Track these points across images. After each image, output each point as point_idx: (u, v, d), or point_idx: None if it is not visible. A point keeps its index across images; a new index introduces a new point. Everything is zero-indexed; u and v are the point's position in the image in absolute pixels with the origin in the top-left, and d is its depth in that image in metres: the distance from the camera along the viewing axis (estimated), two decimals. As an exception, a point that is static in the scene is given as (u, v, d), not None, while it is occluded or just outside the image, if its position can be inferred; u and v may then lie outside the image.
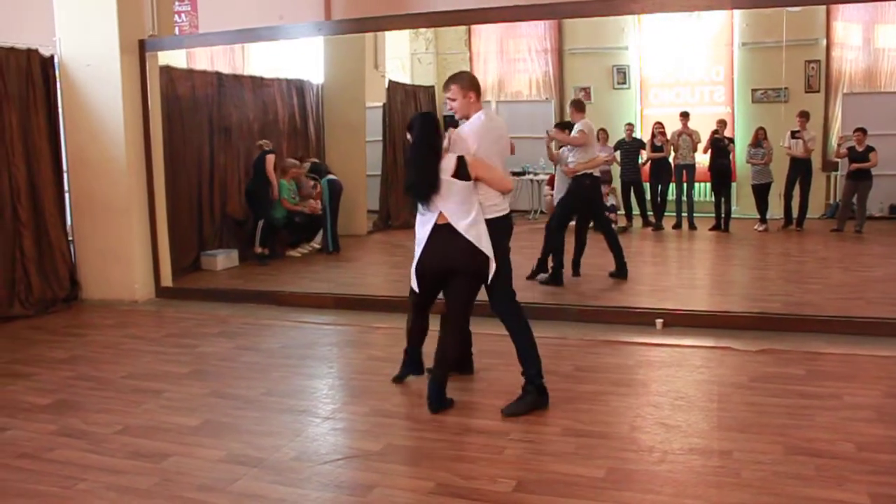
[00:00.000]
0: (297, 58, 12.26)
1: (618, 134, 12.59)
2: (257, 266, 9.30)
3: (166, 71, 8.49)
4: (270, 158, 9.45)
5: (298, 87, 11.37)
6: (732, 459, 3.76)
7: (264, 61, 11.73)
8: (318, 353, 5.87)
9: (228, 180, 9.81)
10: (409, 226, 12.63)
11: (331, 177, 10.65)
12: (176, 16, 9.67)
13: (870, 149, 11.22)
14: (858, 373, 5.16)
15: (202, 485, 3.59)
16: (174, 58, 9.05)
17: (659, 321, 6.26)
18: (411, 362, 4.97)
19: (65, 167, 7.72)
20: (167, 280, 7.96)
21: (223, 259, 9.24)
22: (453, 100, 4.68)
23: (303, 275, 8.85)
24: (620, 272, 8.07)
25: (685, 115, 12.13)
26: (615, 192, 12.35)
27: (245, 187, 9.80)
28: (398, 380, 5.00)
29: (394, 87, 12.70)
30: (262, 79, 10.76)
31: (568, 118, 8.64)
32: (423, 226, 4.45)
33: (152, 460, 3.88)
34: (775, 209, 12.09)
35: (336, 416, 4.49)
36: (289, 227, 10.05)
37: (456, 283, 4.48)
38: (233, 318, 6.97)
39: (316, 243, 10.50)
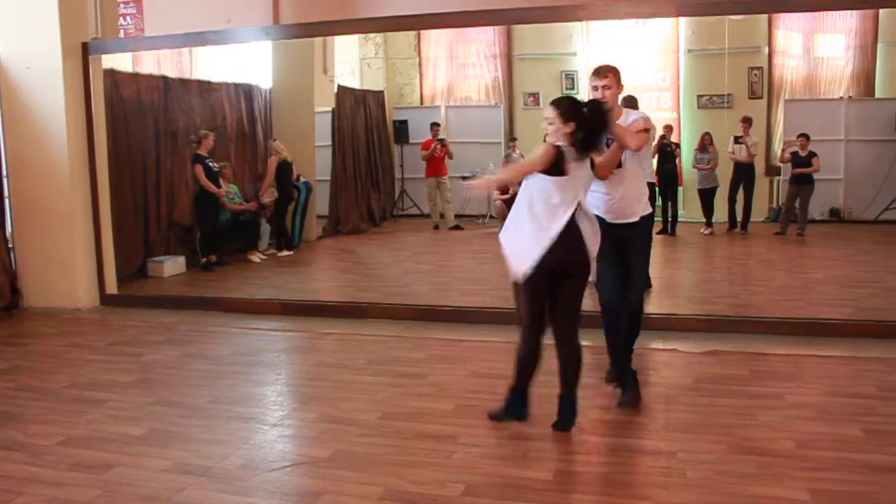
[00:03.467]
0: (246, 62, 12.15)
1: (566, 139, 12.67)
2: (205, 272, 9.18)
3: (110, 74, 8.36)
4: (199, 170, 9.32)
5: (247, 91, 11.27)
6: (678, 460, 3.82)
7: (212, 65, 11.62)
8: (266, 359, 5.82)
9: (175, 185, 9.68)
10: (359, 231, 12.73)
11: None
12: (121, 18, 9.52)
13: (812, 154, 11.51)
14: (800, 373, 5.29)
15: (147, 495, 3.54)
16: (119, 61, 8.91)
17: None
18: (520, 402, 4.28)
19: (4, 172, 7.55)
20: (112, 287, 7.82)
21: (170, 265, 9.11)
22: (608, 88, 4.42)
23: (251, 281, 8.76)
24: None
25: (632, 121, 12.26)
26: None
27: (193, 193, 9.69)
28: (496, 418, 4.34)
29: (343, 91, 12.66)
30: (209, 83, 10.65)
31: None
32: (557, 218, 4.00)
33: (95, 472, 3.80)
34: (720, 213, 12.32)
35: (284, 423, 4.46)
36: (235, 228, 9.94)
37: (571, 283, 4.12)
38: (180, 325, 6.87)
39: (267, 250, 10.44)
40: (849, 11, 13.34)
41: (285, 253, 10.40)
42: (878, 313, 6.73)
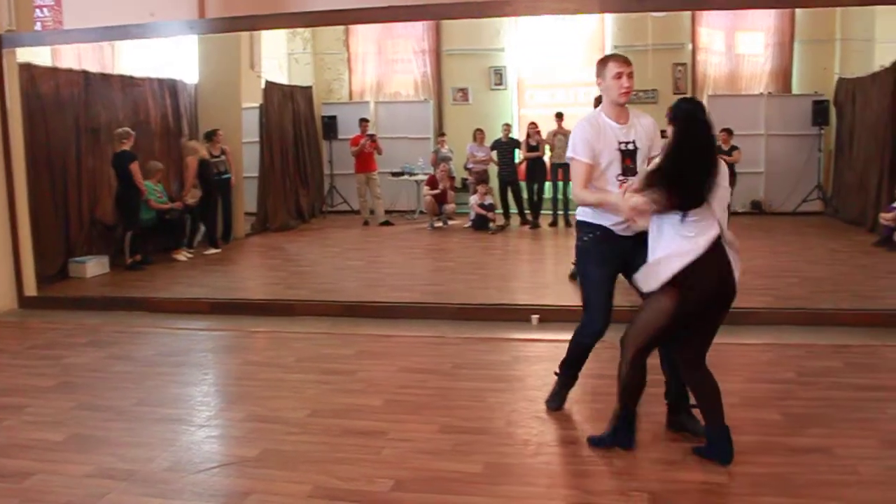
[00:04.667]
0: (171, 56, 11.91)
1: (494, 134, 12.80)
2: (130, 272, 8.97)
3: (27, 68, 8.09)
4: (136, 167, 9.12)
5: (171, 86, 11.05)
6: (604, 449, 3.89)
7: (135, 60, 11.34)
8: (193, 359, 5.73)
9: (97, 183, 9.43)
10: (288, 228, 12.59)
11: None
12: (37, 10, 9.22)
13: (734, 147, 11.83)
14: (723, 361, 5.38)
15: (68, 502, 3.45)
16: (37, 54, 8.63)
17: (535, 317, 6.41)
18: (630, 427, 3.85)
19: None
20: (31, 289, 7.58)
21: (93, 266, 8.87)
22: (632, 78, 4.10)
23: (178, 280, 8.60)
24: None
25: (560, 116, 12.44)
26: (493, 192, 12.55)
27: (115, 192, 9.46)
28: (596, 444, 3.91)
29: (271, 87, 12.50)
30: (132, 78, 10.39)
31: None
32: (696, 237, 3.54)
33: (13, 480, 3.69)
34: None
35: (211, 423, 4.40)
36: (160, 227, 9.75)
37: (717, 315, 3.74)
38: (103, 326, 6.71)
39: (192, 250, 10.28)
40: (768, 10, 13.75)
41: (212, 251, 10.24)
42: (797, 302, 6.94)
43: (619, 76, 4.00)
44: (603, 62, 4.10)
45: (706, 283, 3.56)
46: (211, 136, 10.86)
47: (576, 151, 4.05)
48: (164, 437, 4.19)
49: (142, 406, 4.68)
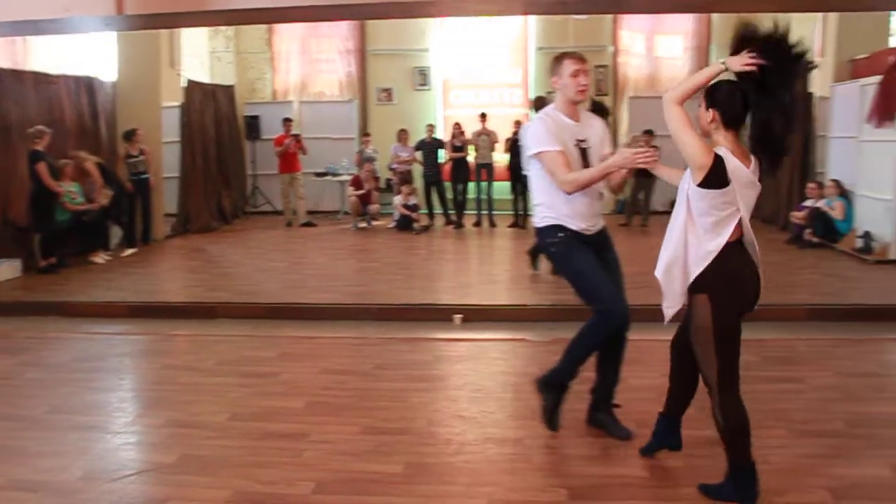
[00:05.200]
0: (87, 53, 11.61)
1: (419, 134, 12.84)
2: (43, 276, 8.71)
3: (-70, 65, 7.81)
4: (42, 168, 8.85)
5: (88, 84, 10.74)
6: (524, 446, 3.96)
7: (50, 56, 11.02)
8: (109, 364, 5.58)
9: (9, 184, 9.12)
10: (210, 229, 12.40)
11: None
12: (-59, 4, 8.87)
13: (654, 147, 12.06)
14: (642, 357, 5.53)
15: (-25, 515, 3.35)
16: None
17: (458, 317, 6.46)
18: (753, 476, 3.30)
19: None
20: (-62, 294, 7.32)
21: (5, 269, 8.58)
22: (588, 76, 4.01)
23: (95, 283, 8.38)
24: None
25: (484, 116, 12.54)
26: (417, 192, 12.58)
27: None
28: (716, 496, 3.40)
29: (192, 86, 12.28)
30: (46, 75, 10.08)
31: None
32: (717, 237, 3.25)
33: (-84, 492, 3.56)
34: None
35: (128, 430, 4.30)
36: (76, 229, 9.48)
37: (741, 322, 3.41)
38: (16, 332, 6.48)
39: (111, 252, 10.04)
40: (686, 15, 14.12)
41: (129, 251, 10.02)
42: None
43: (576, 74, 3.92)
44: (559, 60, 4.00)
45: (737, 285, 3.28)
46: (130, 136, 10.66)
47: (543, 144, 3.87)
48: (78, 445, 4.07)
49: (55, 414, 4.54)
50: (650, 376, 5.08)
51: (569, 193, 3.85)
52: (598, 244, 4.04)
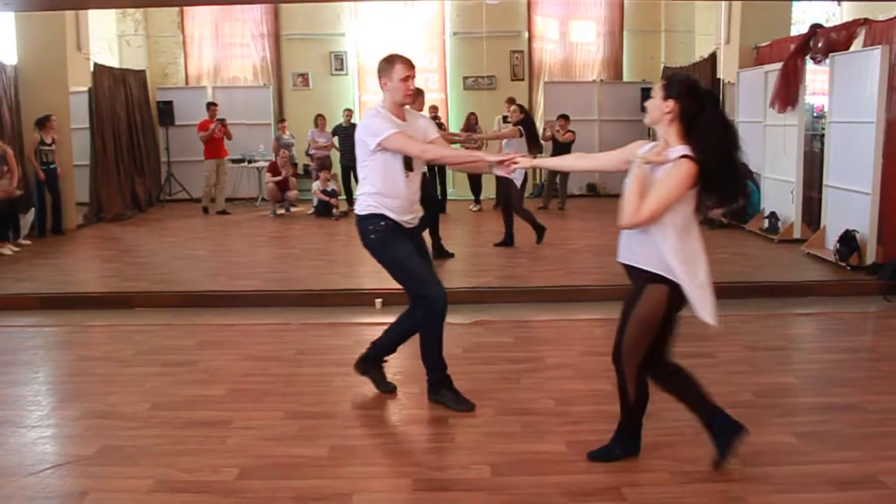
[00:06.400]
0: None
1: (336, 119, 12.77)
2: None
3: None
4: None
5: (-13, 67, 10.34)
6: (447, 426, 4.04)
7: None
8: (21, 358, 5.42)
9: None
10: (124, 218, 12.10)
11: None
12: None
13: (569, 131, 12.32)
14: (559, 336, 5.71)
15: None
16: None
17: (378, 301, 6.49)
18: (638, 436, 3.63)
19: None
20: None
21: None
22: (414, 80, 4.21)
23: (4, 274, 8.08)
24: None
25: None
26: (336, 178, 12.52)
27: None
28: (602, 458, 3.62)
29: (100, 70, 11.92)
30: (-60, 58, 9.67)
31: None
32: (690, 234, 3.37)
33: None
34: (488, 190, 12.88)
35: (43, 423, 4.20)
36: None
37: None
38: (-83, 326, 6.26)
39: (24, 240, 9.71)
40: (599, 1, 14.40)
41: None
42: (625, 278, 7.30)
43: (406, 79, 4.11)
44: (390, 63, 4.15)
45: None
46: (44, 123, 10.38)
47: (382, 131, 4.02)
48: (-10, 440, 3.97)
49: (-36, 409, 4.41)
50: (566, 354, 5.27)
51: (427, 161, 4.19)
52: (412, 236, 4.28)
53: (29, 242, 9.76)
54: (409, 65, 4.14)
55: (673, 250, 3.26)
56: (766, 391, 4.44)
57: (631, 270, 3.49)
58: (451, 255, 8.45)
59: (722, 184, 3.31)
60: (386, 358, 4.56)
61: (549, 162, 3.75)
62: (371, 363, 4.51)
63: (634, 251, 3.44)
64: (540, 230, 9.25)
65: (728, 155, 3.28)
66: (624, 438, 3.60)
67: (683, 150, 3.23)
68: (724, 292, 6.83)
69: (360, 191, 4.25)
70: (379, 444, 3.89)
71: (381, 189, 4.11)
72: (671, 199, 3.21)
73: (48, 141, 10.36)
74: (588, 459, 3.59)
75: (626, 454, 3.60)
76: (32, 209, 10.49)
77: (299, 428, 4.01)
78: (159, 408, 4.33)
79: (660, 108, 3.32)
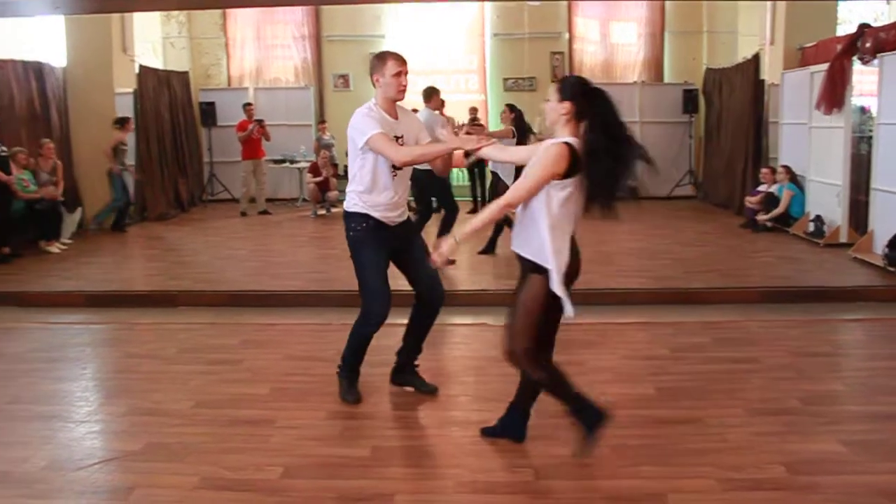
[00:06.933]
0: (36, 37, 11.37)
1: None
2: (-3, 265, 8.55)
3: None
4: None
5: (37, 69, 10.54)
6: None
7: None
8: (69, 354, 5.51)
9: (-44, 172, 8.93)
10: (167, 218, 12.27)
11: None
12: None
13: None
14: (601, 339, 5.65)
15: (-65, 507, 3.30)
16: None
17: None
18: (589, 410, 3.63)
19: None
20: None
21: (-45, 259, 8.42)
22: (407, 76, 4.24)
23: (51, 272, 8.24)
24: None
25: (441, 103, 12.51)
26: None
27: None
28: (491, 435, 3.90)
29: (145, 72, 12.09)
30: (-8, 60, 9.88)
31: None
32: (569, 226, 3.49)
33: None
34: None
35: (91, 418, 4.27)
36: (31, 217, 9.31)
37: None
38: (-31, 323, 6.40)
39: (67, 239, 9.88)
40: (640, 2, 14.28)
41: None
42: (669, 281, 7.30)
43: (398, 75, 4.15)
44: (382, 60, 4.21)
45: (570, 268, 3.46)
46: (123, 123, 10.91)
47: (367, 131, 4.05)
48: (40, 435, 4.03)
49: (15, 404, 4.49)
50: (608, 357, 5.22)
51: (401, 164, 4.10)
52: (401, 234, 4.31)
53: (71, 241, 9.92)
54: (401, 60, 4.20)
55: (548, 239, 3.38)
56: (813, 398, 4.37)
57: (518, 258, 3.56)
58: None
59: (600, 176, 3.36)
60: (416, 361, 4.57)
61: (485, 151, 3.84)
62: (404, 371, 4.54)
63: (519, 238, 3.54)
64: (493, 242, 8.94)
65: (610, 148, 3.33)
66: (580, 414, 3.63)
67: (563, 139, 3.37)
68: (769, 297, 6.86)
69: (348, 188, 4.28)
70: (421, 444, 3.89)
71: (369, 187, 4.16)
72: (540, 179, 3.34)
73: (125, 142, 10.85)
74: (481, 435, 3.85)
75: (510, 436, 3.80)
76: (79, 209, 10.69)
77: (342, 428, 4.04)
78: (203, 406, 4.38)
79: (557, 111, 3.44)
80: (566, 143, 3.34)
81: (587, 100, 3.38)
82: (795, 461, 3.52)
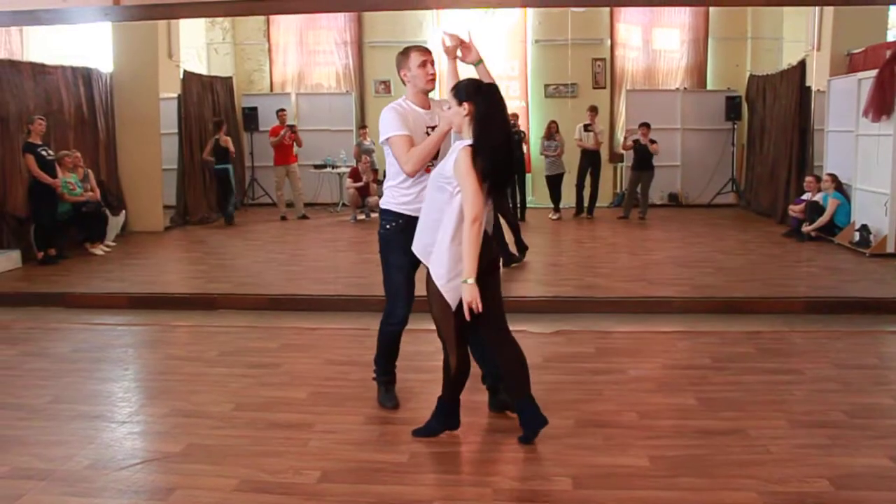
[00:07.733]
0: (84, 44, 11.59)
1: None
2: (43, 267, 8.70)
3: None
4: (30, 159, 8.82)
5: (85, 75, 10.74)
6: (434, 435, 3.99)
7: (46, 47, 11.00)
8: (112, 355, 5.60)
9: (7, 175, 9.11)
10: (208, 222, 12.40)
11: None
12: (-61, -6, 8.84)
13: (652, 141, 12.14)
14: (642, 348, 5.60)
15: (-19, 503, 3.36)
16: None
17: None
18: (456, 410, 3.98)
19: None
20: (-62, 284, 7.32)
21: (4, 260, 8.58)
22: (434, 65, 4.23)
23: (95, 274, 8.38)
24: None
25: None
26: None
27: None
28: (425, 434, 3.98)
29: (189, 77, 12.27)
30: (43, 66, 10.06)
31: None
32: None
33: (-77, 481, 3.56)
34: (567, 198, 12.81)
35: (133, 419, 4.32)
36: (77, 220, 9.49)
37: (492, 280, 3.83)
38: (16, 323, 6.51)
39: (112, 241, 10.04)
40: (683, 8, 14.14)
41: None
42: (711, 290, 7.20)
43: (423, 64, 4.13)
44: (405, 55, 4.19)
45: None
46: (219, 126, 11.80)
47: (390, 130, 4.05)
48: (83, 434, 4.09)
49: (58, 404, 4.56)
50: (649, 367, 5.16)
51: (411, 173, 4.04)
52: None
53: (115, 244, 10.07)
54: (425, 50, 4.20)
55: (446, 242, 3.61)
56: (860, 411, 4.27)
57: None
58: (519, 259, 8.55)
59: (493, 168, 3.55)
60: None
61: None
62: (498, 392, 4.32)
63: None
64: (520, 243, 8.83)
65: (498, 139, 3.59)
66: (443, 413, 3.91)
67: (468, 142, 3.58)
68: (812, 307, 6.74)
69: (385, 183, 4.29)
70: (459, 452, 3.87)
71: (402, 181, 4.14)
72: (474, 184, 3.50)
73: (223, 144, 11.54)
74: (413, 436, 3.94)
75: (447, 427, 3.94)
76: (123, 212, 10.86)
77: (380, 433, 4.04)
78: (243, 408, 4.41)
79: (460, 114, 3.64)
80: (469, 146, 3.54)
81: (481, 97, 3.60)
82: (840, 475, 3.44)
